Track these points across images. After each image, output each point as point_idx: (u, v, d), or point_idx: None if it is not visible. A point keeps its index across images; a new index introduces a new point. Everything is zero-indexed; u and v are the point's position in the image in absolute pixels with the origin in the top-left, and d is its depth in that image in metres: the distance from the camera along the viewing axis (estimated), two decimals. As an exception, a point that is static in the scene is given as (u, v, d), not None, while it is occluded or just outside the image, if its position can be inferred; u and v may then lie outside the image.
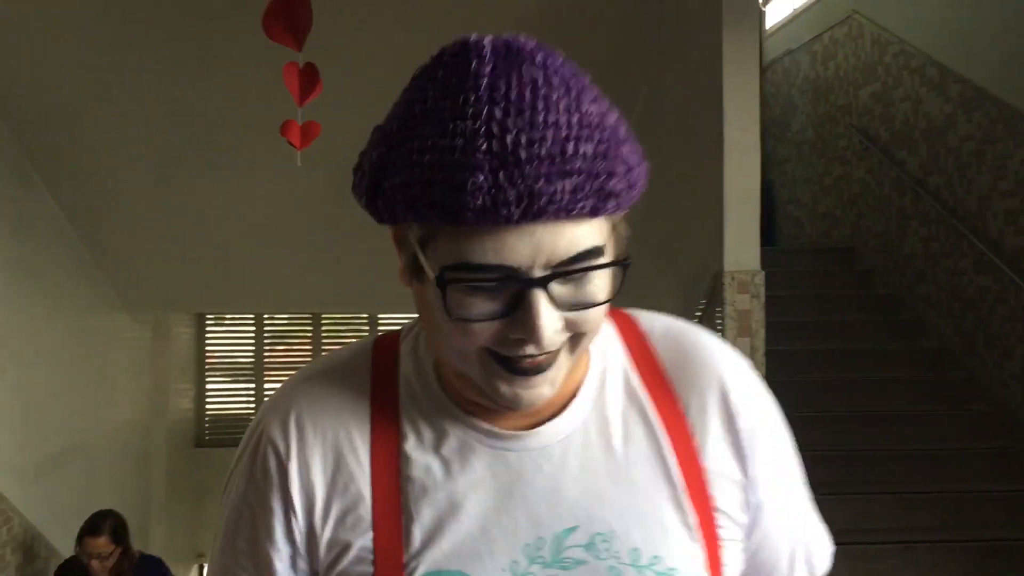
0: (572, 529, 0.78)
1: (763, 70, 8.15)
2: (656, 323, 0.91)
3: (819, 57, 7.16)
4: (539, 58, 0.71)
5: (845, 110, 6.74)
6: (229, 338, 8.75)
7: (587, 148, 0.68)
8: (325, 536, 0.80)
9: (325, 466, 0.80)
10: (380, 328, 8.47)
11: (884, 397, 5.04)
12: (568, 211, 0.67)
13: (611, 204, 0.70)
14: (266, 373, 8.51)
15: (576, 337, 0.74)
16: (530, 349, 0.71)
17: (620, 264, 0.74)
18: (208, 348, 8.51)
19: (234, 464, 0.87)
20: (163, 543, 7.27)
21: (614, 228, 0.75)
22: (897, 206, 5.97)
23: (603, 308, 0.74)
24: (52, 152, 4.91)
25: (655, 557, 0.78)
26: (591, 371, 0.85)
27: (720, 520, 0.82)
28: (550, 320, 0.70)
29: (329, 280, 5.93)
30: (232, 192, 5.21)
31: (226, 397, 8.63)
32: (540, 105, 0.68)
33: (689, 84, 4.05)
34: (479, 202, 0.66)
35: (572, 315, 0.72)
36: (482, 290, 0.70)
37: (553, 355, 0.74)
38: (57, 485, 5.00)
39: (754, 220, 3.33)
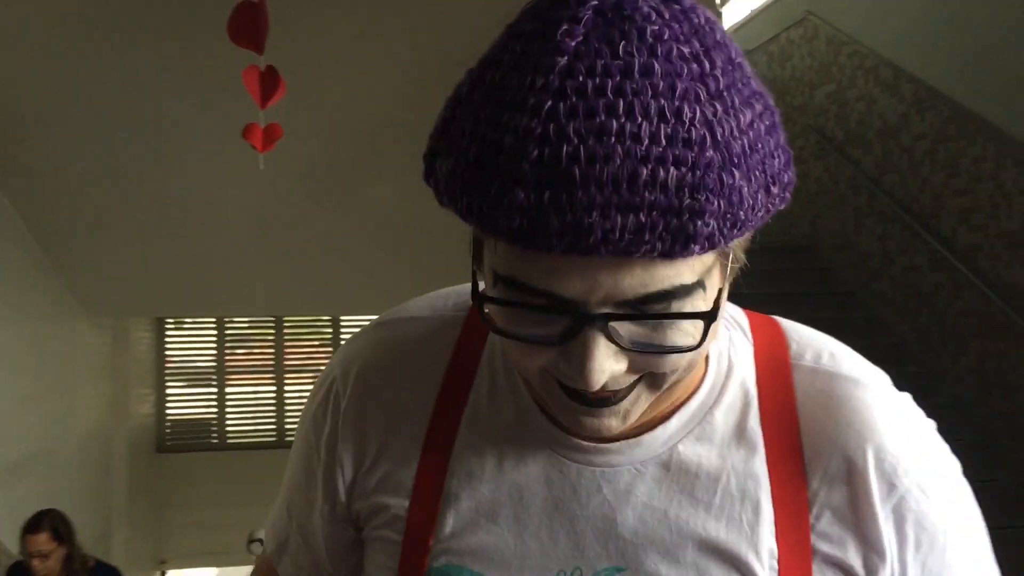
0: (618, 570, 0.67)
1: (721, 71, 8.24)
2: (809, 348, 0.73)
3: (776, 58, 7.26)
4: (652, 30, 0.54)
5: (801, 110, 6.84)
6: (190, 342, 8.67)
7: (670, 175, 0.52)
8: (367, 492, 0.73)
9: (380, 424, 0.73)
10: (343, 331, 8.45)
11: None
12: (628, 253, 0.53)
13: (695, 247, 0.54)
14: (227, 377, 8.44)
15: (654, 377, 0.61)
16: (584, 384, 0.58)
17: (702, 317, 0.57)
18: (168, 353, 8.43)
19: (311, 396, 0.79)
20: (124, 550, 7.19)
21: (721, 257, 0.60)
22: (853, 205, 6.07)
23: (687, 357, 0.60)
24: (8, 155, 4.84)
25: None
26: (701, 390, 0.70)
27: None
28: (606, 363, 0.57)
29: (291, 283, 5.90)
30: (193, 196, 5.17)
31: (187, 402, 8.55)
32: (622, 106, 0.52)
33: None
34: (515, 223, 0.53)
35: (642, 359, 0.59)
36: (527, 310, 0.58)
37: (623, 391, 0.61)
38: (17, 493, 4.92)
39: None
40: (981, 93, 4.81)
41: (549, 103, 0.53)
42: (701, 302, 0.58)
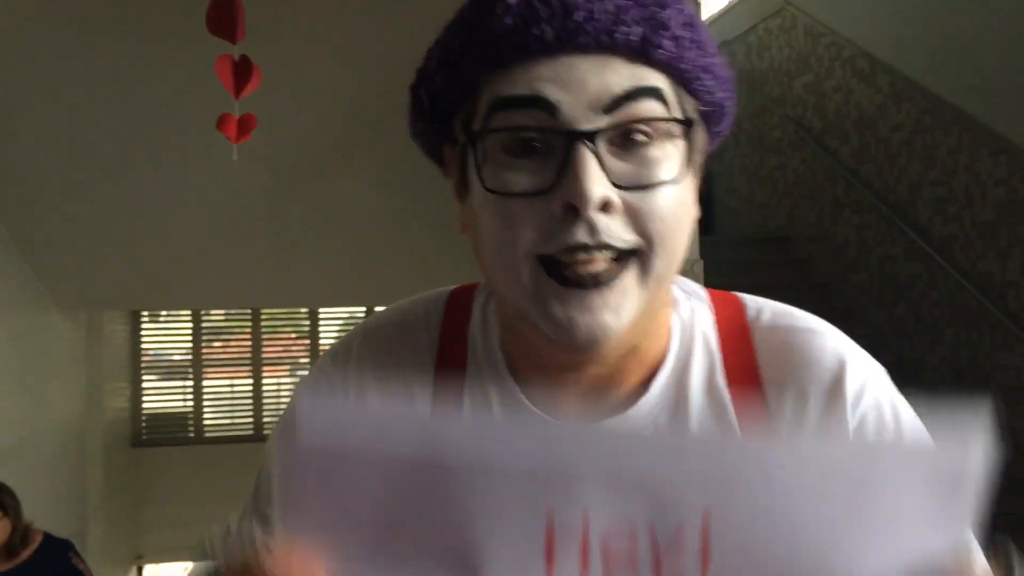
0: None
1: (699, 62, 8.25)
2: (766, 311, 0.78)
3: (754, 48, 7.27)
4: None
5: (780, 101, 6.85)
6: (165, 335, 8.61)
7: None
8: None
9: None
10: (321, 323, 8.41)
11: (820, 382, 5.15)
12: (610, 34, 0.60)
13: (666, 42, 0.62)
14: (204, 370, 8.38)
15: (643, 256, 0.64)
16: (581, 234, 0.61)
17: (682, 122, 0.64)
18: (144, 346, 8.36)
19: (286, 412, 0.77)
20: (100, 545, 7.13)
21: (686, 116, 0.66)
22: (830, 195, 6.10)
23: (673, 198, 0.64)
24: (-22, 147, 4.78)
25: None
26: (669, 358, 0.73)
27: None
28: (599, 182, 0.60)
29: (268, 275, 5.86)
30: (167, 186, 5.12)
31: (163, 395, 8.48)
32: None
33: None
34: (508, 20, 0.60)
35: (631, 197, 0.62)
36: (518, 155, 0.62)
37: (613, 268, 0.63)
38: (-11, 489, 4.86)
39: (693, 210, 3.37)
40: (957, 84, 4.83)
41: None
42: (675, 124, 0.64)
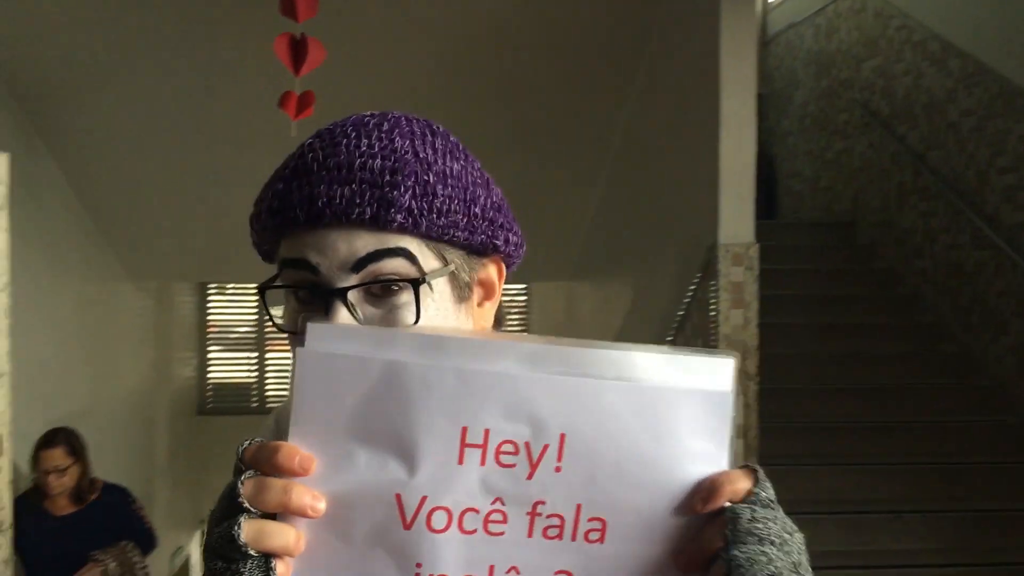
0: None
1: (766, 43, 8.14)
2: None
3: (822, 30, 7.15)
4: (394, 117, 0.82)
5: (847, 84, 6.74)
6: (231, 308, 8.81)
7: (375, 164, 0.77)
8: None
9: None
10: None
11: (880, 370, 5.10)
12: (347, 215, 0.75)
13: (397, 216, 0.76)
14: (267, 343, 8.57)
15: None
16: None
17: (412, 282, 0.77)
18: (210, 317, 8.58)
19: None
20: (167, 508, 7.37)
21: (444, 260, 0.80)
22: (897, 180, 5.99)
23: None
24: (57, 122, 4.94)
25: None
26: None
27: None
28: None
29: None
30: (233, 162, 5.23)
31: (228, 366, 8.70)
32: (353, 135, 0.79)
33: (688, 57, 4.06)
34: (275, 204, 0.78)
35: None
36: (302, 300, 0.79)
37: None
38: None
39: (749, 193, 3.35)
40: (1031, 68, 4.71)
41: (309, 143, 0.80)
42: (415, 274, 0.78)
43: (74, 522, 3.65)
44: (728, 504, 0.64)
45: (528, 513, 0.66)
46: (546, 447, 0.65)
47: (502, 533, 0.66)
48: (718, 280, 3.23)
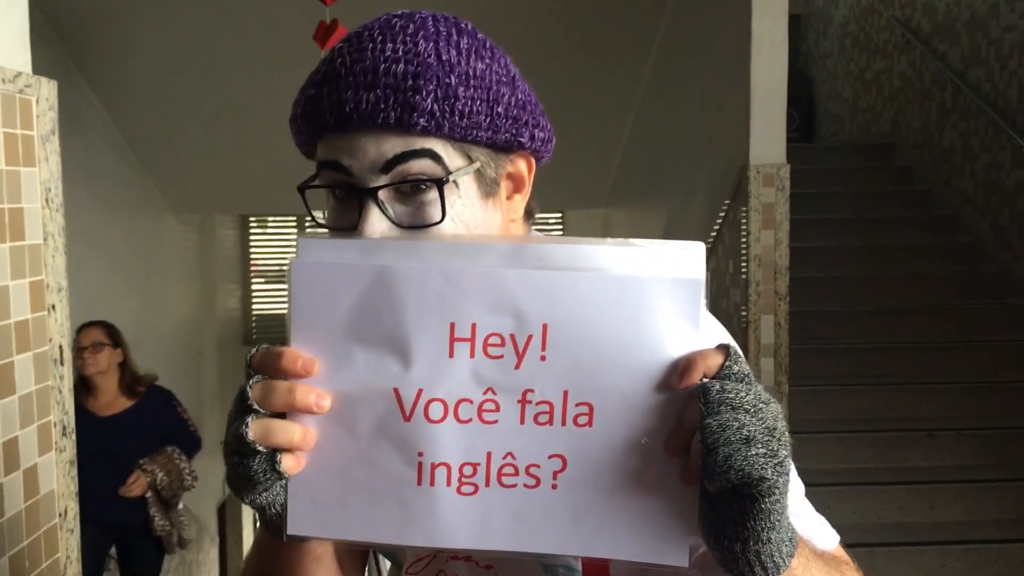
0: None
1: (805, -39, 7.96)
2: None
3: (863, -53, 6.98)
4: (421, 17, 0.85)
5: (887, 2, 6.60)
6: (272, 241, 8.96)
7: (399, 68, 0.80)
8: None
9: None
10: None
11: (919, 291, 5.10)
12: (373, 119, 0.80)
13: (420, 120, 0.80)
14: (310, 274, 8.72)
15: None
16: None
17: (436, 182, 0.82)
18: (252, 250, 8.73)
19: None
20: (216, 432, 7.59)
21: (469, 158, 0.85)
22: (937, 100, 5.90)
23: (447, 234, 0.83)
24: (97, 56, 5.01)
25: None
26: None
27: None
28: (376, 224, 0.82)
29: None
30: (273, 94, 5.29)
31: (271, 298, 8.88)
32: (379, 39, 0.82)
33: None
34: (308, 109, 0.83)
35: (409, 235, 0.82)
36: (340, 198, 0.86)
37: None
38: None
39: (781, 114, 3.35)
40: (1076, -20, 4.59)
41: (339, 48, 0.83)
42: (440, 173, 0.82)
43: (119, 423, 3.70)
44: (703, 380, 0.68)
45: (519, 401, 0.70)
46: (530, 337, 0.69)
47: (496, 421, 0.70)
48: (749, 201, 3.26)
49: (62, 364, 1.83)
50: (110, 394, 3.73)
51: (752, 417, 0.66)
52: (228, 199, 6.76)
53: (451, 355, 0.70)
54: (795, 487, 0.87)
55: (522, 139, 0.88)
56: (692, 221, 4.44)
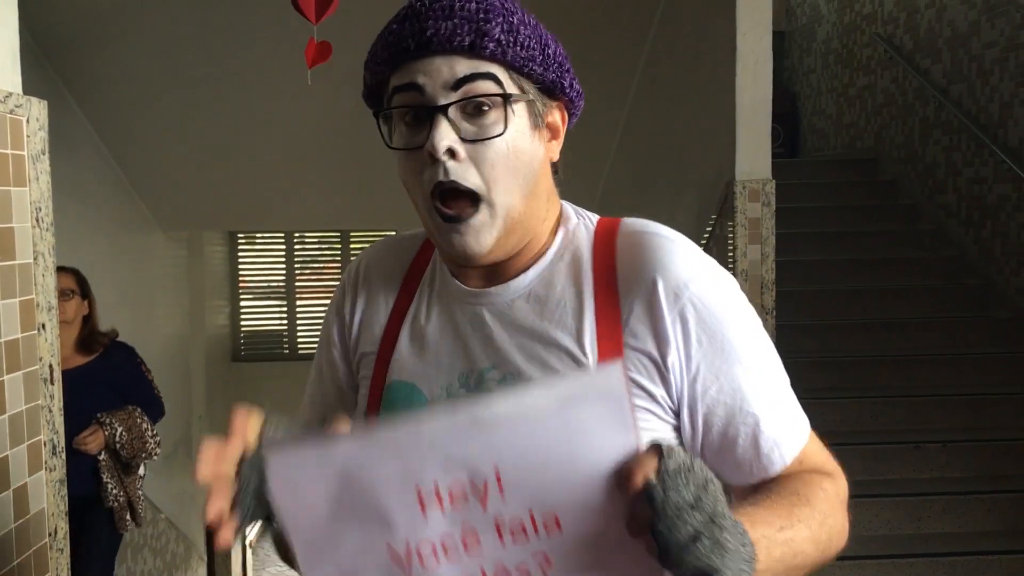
0: (493, 367, 1.01)
1: (789, -21, 8.04)
2: (632, 227, 1.05)
3: (845, -36, 7.06)
4: None
5: (870, 19, 6.67)
6: (261, 258, 8.95)
7: (471, 5, 0.95)
8: (357, 344, 1.13)
9: (368, 302, 1.13)
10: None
11: (904, 304, 5.14)
12: (450, 42, 0.94)
13: (490, 44, 0.94)
14: (297, 292, 8.72)
15: (487, 199, 0.97)
16: (439, 174, 0.96)
17: (502, 96, 0.96)
18: (241, 267, 8.73)
19: (340, 283, 1.19)
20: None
21: (523, 90, 0.98)
22: (920, 115, 5.96)
23: (503, 149, 0.96)
24: (85, 76, 5.02)
25: None
26: (550, 252, 1.06)
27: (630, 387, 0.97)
28: (445, 137, 0.94)
29: (357, 196, 6.05)
30: (259, 112, 5.30)
31: (260, 314, 8.87)
32: None
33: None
34: (391, 39, 0.97)
35: (473, 149, 0.96)
36: (411, 121, 0.98)
37: (469, 210, 0.98)
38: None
39: (766, 129, 3.38)
40: (1055, -3, 4.66)
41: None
42: (499, 94, 0.96)
43: (77, 379, 3.29)
44: (647, 481, 0.75)
45: (494, 528, 0.79)
46: (486, 483, 0.77)
47: (479, 545, 0.79)
48: (735, 216, 3.29)
49: (52, 383, 1.83)
50: (68, 348, 3.45)
51: (695, 511, 0.74)
52: (216, 216, 6.76)
53: (424, 514, 0.78)
54: (778, 382, 1.03)
55: (564, 82, 1.02)
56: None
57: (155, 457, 3.62)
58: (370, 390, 1.09)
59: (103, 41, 4.81)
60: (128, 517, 3.59)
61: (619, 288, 1.00)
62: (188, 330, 7.43)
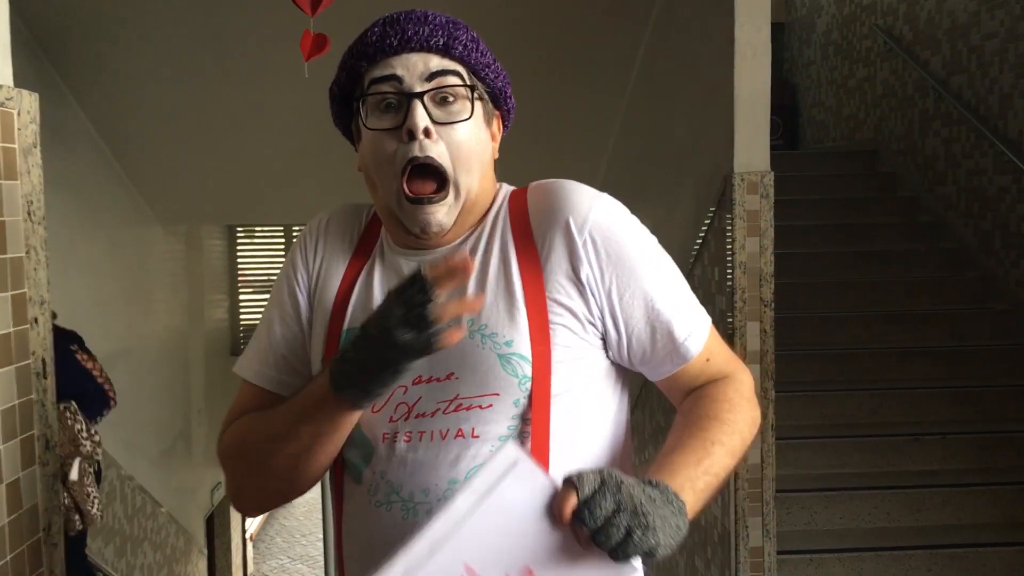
0: None
1: (788, -30, 8.01)
2: (539, 186, 1.23)
3: (845, -45, 7.03)
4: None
5: (869, 10, 6.65)
6: (260, 251, 8.94)
7: (442, 18, 1.17)
8: (316, 290, 1.26)
9: (327, 254, 1.27)
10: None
11: (904, 297, 5.13)
12: (427, 41, 1.14)
13: (459, 46, 1.16)
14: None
15: (454, 180, 1.15)
16: (415, 150, 1.12)
17: (468, 87, 1.16)
18: (240, 261, 8.72)
19: (299, 237, 1.33)
20: (205, 445, 7.58)
21: (480, 96, 1.19)
22: (920, 107, 5.95)
23: (467, 132, 1.15)
24: (81, 68, 5.00)
25: (484, 325, 1.13)
26: (483, 223, 1.22)
27: (552, 307, 1.14)
28: (423, 118, 1.12)
29: (356, 190, 6.01)
30: (257, 104, 5.29)
31: (259, 308, 8.86)
32: (422, 10, 1.18)
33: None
34: (374, 38, 1.16)
35: (443, 131, 1.14)
36: (386, 107, 1.15)
37: (435, 192, 1.15)
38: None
39: (764, 121, 3.35)
40: (1055, -12, 4.64)
41: (385, 16, 1.19)
42: (465, 87, 1.16)
43: None
44: (574, 510, 0.92)
45: None
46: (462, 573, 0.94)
47: None
48: (734, 209, 3.27)
49: (45, 378, 1.82)
50: None
51: (620, 515, 0.90)
52: (215, 209, 6.75)
53: None
54: (679, 284, 1.21)
55: (507, 91, 1.25)
56: (678, 228, 4.46)
57: (97, 457, 3.24)
58: (327, 336, 1.21)
59: (100, 34, 4.79)
60: (76, 518, 3.17)
61: (533, 230, 1.17)
62: (187, 324, 7.42)
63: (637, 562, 0.97)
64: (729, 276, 3.30)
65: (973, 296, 5.13)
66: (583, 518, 0.90)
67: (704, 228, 3.81)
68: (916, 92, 5.98)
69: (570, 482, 0.92)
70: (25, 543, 1.75)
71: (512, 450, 0.95)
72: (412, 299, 0.95)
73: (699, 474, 1.06)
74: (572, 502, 0.91)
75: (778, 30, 7.63)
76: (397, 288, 0.97)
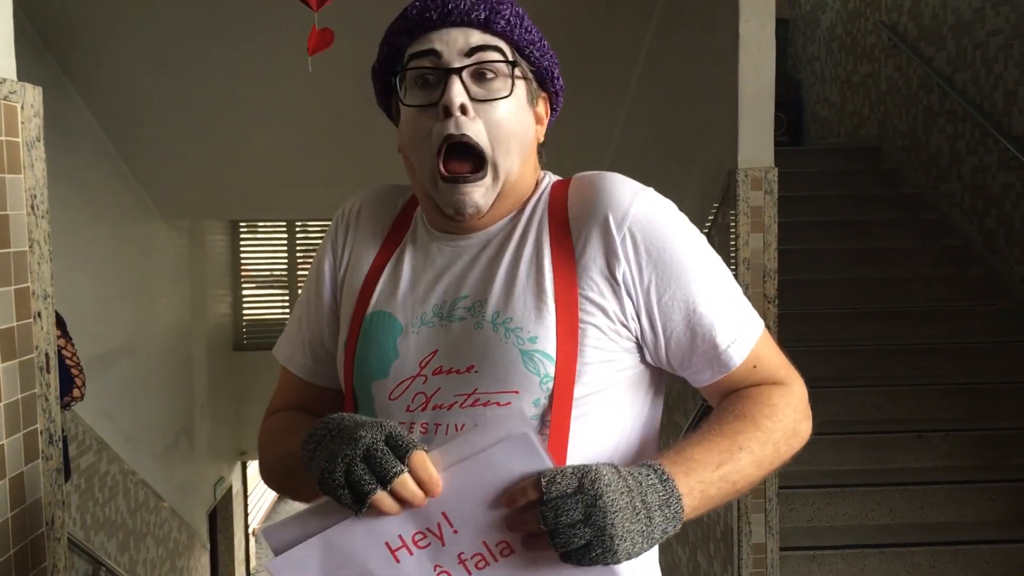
0: (464, 296, 1.13)
1: (793, -34, 7.99)
2: (581, 177, 1.18)
3: (850, -49, 7.01)
4: None
5: (874, 6, 6.63)
6: (263, 246, 8.94)
7: None
8: (345, 275, 1.24)
9: (357, 240, 1.25)
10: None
11: (907, 293, 5.12)
12: (468, 15, 1.09)
13: (501, 21, 1.10)
14: (298, 281, 8.71)
15: (493, 161, 1.10)
16: (451, 127, 1.07)
17: (508, 62, 1.11)
18: (243, 256, 8.72)
19: (334, 220, 1.31)
20: (207, 440, 7.59)
21: (522, 73, 1.13)
22: (924, 104, 5.93)
23: (506, 111, 1.10)
24: (85, 62, 5.00)
25: (509, 319, 1.09)
26: (522, 211, 1.18)
27: (584, 305, 1.08)
28: (459, 94, 1.07)
29: (359, 185, 6.01)
30: (261, 100, 5.29)
31: (261, 303, 8.86)
32: None
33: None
34: (414, 12, 1.11)
35: (481, 108, 1.09)
36: (424, 84, 1.11)
37: (472, 172, 1.10)
38: (106, 385, 5.23)
39: (768, 117, 3.35)
40: (1060, -16, 4.62)
41: None
42: (507, 64, 1.11)
43: None
44: (538, 510, 0.89)
45: (459, 563, 0.96)
46: (439, 524, 0.94)
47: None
48: (737, 204, 3.26)
49: (48, 372, 1.82)
50: None
51: (583, 526, 0.88)
52: (218, 204, 6.75)
53: (397, 560, 0.96)
54: (726, 284, 1.13)
55: (554, 73, 1.19)
56: (681, 225, 4.47)
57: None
58: (351, 319, 1.19)
59: (105, 27, 4.79)
60: None
61: (571, 223, 1.13)
62: (190, 319, 7.43)
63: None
64: (733, 272, 3.30)
65: (977, 293, 5.12)
66: (543, 516, 0.88)
67: (708, 224, 3.81)
68: (920, 88, 5.96)
69: (540, 477, 0.89)
70: (28, 538, 1.75)
71: (523, 427, 0.92)
72: (384, 457, 0.92)
73: (715, 479, 1.00)
74: (530, 496, 0.89)
75: (782, 26, 7.62)
76: (387, 428, 0.95)
